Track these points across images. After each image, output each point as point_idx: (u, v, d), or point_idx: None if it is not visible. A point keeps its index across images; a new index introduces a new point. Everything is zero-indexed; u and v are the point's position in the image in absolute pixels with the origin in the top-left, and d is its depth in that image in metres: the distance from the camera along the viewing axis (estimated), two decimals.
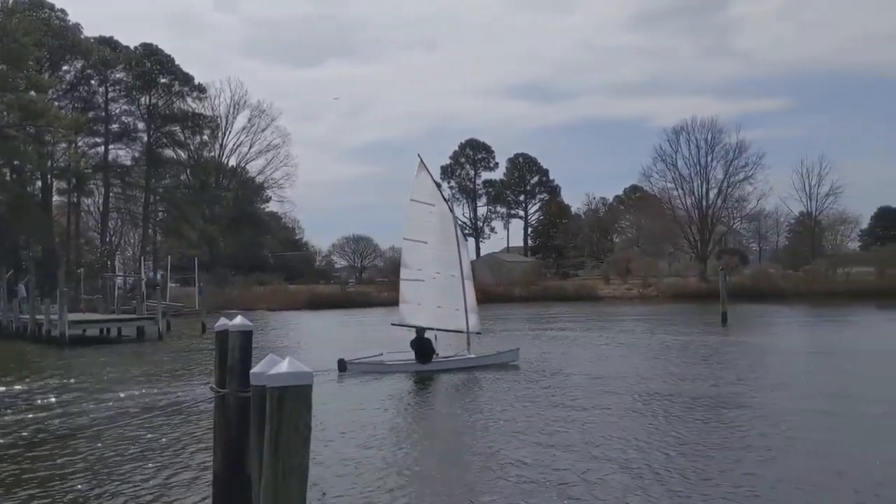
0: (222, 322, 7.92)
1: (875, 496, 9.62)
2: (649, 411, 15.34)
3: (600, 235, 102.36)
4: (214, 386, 7.86)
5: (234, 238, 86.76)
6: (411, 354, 22.79)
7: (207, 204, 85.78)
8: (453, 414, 16.70)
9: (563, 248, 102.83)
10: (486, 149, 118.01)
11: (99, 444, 13.10)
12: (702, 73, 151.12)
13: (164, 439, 13.46)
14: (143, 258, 69.08)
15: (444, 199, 26.44)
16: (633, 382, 19.23)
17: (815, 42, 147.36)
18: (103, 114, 79.47)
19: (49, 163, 69.47)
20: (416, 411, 17.11)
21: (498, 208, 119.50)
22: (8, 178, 66.24)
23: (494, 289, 69.95)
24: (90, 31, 77.33)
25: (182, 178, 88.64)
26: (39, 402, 17.95)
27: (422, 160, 25.49)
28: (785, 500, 9.64)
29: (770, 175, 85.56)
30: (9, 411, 16.59)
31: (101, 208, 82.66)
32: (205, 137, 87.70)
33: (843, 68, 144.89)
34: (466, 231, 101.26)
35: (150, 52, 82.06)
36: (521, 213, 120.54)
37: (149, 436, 13.73)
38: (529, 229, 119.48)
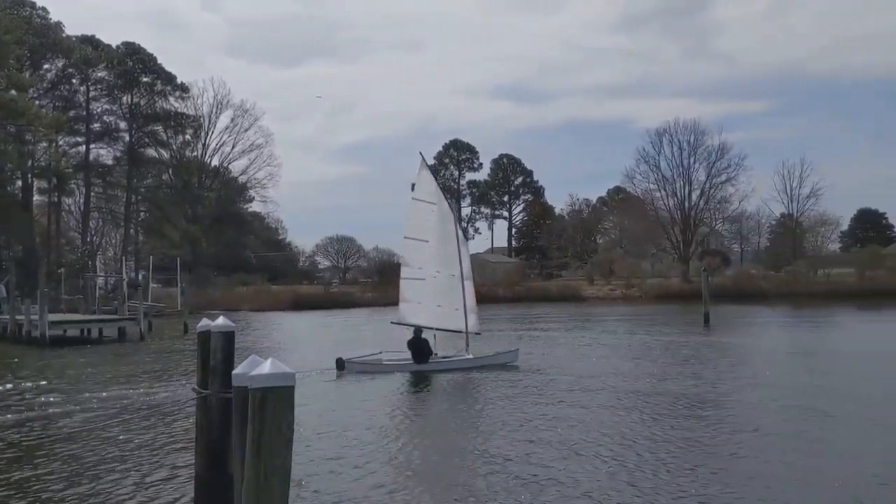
0: (205, 323, 7.91)
1: (844, 489, 9.86)
2: (631, 410, 15.43)
3: (584, 236, 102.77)
4: (196, 387, 7.84)
5: (216, 238, 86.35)
6: (409, 354, 22.82)
7: (190, 204, 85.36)
8: (444, 413, 16.72)
9: (546, 249, 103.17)
10: (471, 149, 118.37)
11: (78, 446, 13.00)
12: (685, 75, 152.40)
13: (145, 440, 13.37)
14: (124, 258, 68.64)
15: (446, 198, 26.38)
16: (617, 382, 19.35)
17: (797, 45, 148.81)
18: (84, 113, 78.97)
19: (29, 162, 68.86)
20: (408, 410, 17.07)
21: (482, 209, 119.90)
22: None
23: (478, 289, 69.58)
24: (72, 29, 76.88)
25: (164, 177, 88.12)
26: (18, 403, 17.77)
27: (423, 158, 25.58)
28: (754, 493, 9.81)
29: (752, 177, 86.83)
30: None
31: (82, 208, 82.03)
32: (187, 137, 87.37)
33: (825, 71, 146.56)
34: None
35: (132, 51, 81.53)
36: (506, 213, 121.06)
37: (129, 437, 13.64)
38: (513, 230, 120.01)
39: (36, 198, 76.42)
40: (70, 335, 35.80)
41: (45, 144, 70.32)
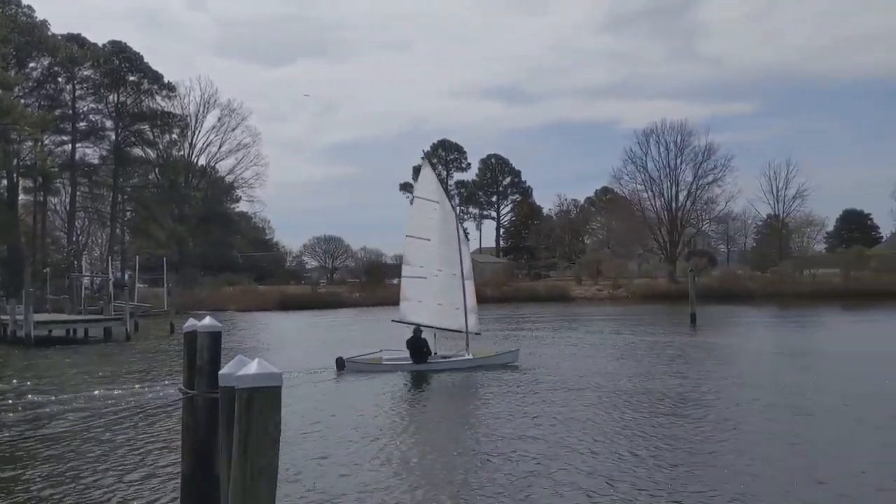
0: (191, 323, 7.88)
1: (820, 483, 10.07)
2: (616, 408, 15.52)
3: (572, 237, 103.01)
4: (183, 387, 7.81)
5: (203, 238, 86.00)
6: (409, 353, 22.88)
7: (176, 203, 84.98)
8: (434, 412, 16.76)
9: (534, 249, 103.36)
10: (459, 149, 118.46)
11: (63, 447, 12.93)
12: (672, 77, 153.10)
13: (130, 441, 13.32)
14: (110, 258, 68.25)
15: (448, 197, 26.39)
16: (602, 382, 19.43)
17: (783, 47, 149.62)
18: (70, 112, 78.42)
19: (15, 161, 68.36)
20: (402, 410, 17.09)
21: (470, 209, 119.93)
22: None
23: None
24: (58, 28, 76.41)
25: (151, 177, 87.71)
26: (1, 403, 17.63)
27: (426, 157, 25.61)
28: (733, 489, 9.91)
29: (738, 178, 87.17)
30: None
31: (67, 207, 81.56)
32: (174, 136, 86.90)
33: (811, 73, 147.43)
34: None
35: (118, 50, 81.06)
36: (494, 213, 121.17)
37: (115, 437, 13.58)
38: (501, 230, 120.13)
39: (21, 197, 75.89)
40: (55, 335, 35.61)
41: (30, 143, 69.80)
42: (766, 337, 34.26)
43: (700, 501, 9.43)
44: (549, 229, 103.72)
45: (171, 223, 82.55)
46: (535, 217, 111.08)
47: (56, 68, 75.29)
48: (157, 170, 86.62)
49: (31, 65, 74.63)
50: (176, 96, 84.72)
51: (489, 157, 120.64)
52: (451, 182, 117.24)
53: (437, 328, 23.53)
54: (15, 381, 21.49)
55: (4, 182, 71.32)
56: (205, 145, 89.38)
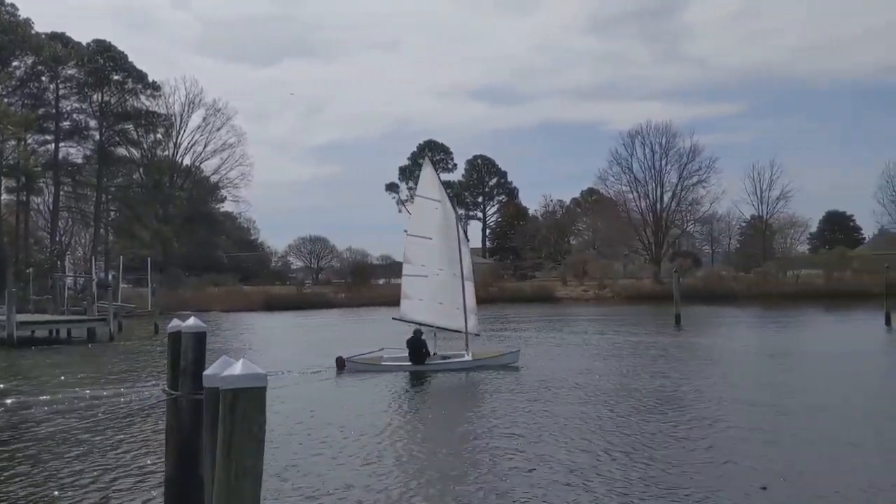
0: (175, 323, 7.87)
1: (797, 480, 10.26)
2: (604, 407, 15.60)
3: (557, 237, 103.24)
4: (167, 388, 7.79)
5: (187, 238, 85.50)
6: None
7: (161, 203, 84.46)
8: (426, 413, 16.75)
9: (520, 250, 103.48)
10: (445, 150, 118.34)
11: (45, 448, 12.85)
12: (657, 78, 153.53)
13: (114, 442, 13.25)
14: (94, 258, 67.74)
15: (449, 197, 26.42)
16: (587, 380, 19.55)
17: (768, 48, 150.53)
18: (54, 111, 77.74)
19: None
20: (399, 410, 17.14)
21: (456, 209, 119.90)
22: None
23: None
24: (41, 26, 75.73)
25: (135, 176, 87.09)
26: None
27: (428, 157, 25.65)
28: (711, 481, 10.11)
29: (723, 179, 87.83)
30: None
31: (50, 207, 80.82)
32: (158, 136, 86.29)
33: (795, 75, 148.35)
34: None
35: (102, 49, 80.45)
36: (480, 214, 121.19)
37: (98, 439, 13.51)
38: (487, 231, 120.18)
39: (4, 197, 75.23)
40: (38, 336, 35.32)
41: (13, 142, 69.16)
42: (749, 337, 34.51)
43: (677, 494, 9.59)
44: (534, 230, 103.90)
45: (156, 223, 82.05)
46: (521, 218, 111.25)
47: (40, 67, 74.58)
48: (141, 169, 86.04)
49: (15, 63, 73.88)
50: (161, 96, 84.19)
51: (475, 157, 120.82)
52: None
53: (437, 327, 23.57)
54: None
55: None
56: (190, 145, 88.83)
